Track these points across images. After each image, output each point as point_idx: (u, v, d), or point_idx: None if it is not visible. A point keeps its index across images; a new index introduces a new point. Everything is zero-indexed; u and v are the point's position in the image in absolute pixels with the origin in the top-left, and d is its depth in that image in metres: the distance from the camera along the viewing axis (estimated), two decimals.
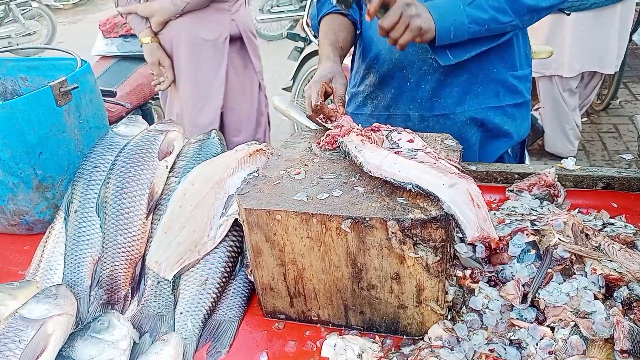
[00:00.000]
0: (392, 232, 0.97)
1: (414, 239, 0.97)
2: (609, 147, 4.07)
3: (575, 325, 0.94)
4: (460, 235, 1.17)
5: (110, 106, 2.86)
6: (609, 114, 4.50)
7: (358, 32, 1.64)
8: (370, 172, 1.07)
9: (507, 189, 1.44)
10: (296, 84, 4.30)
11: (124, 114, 3.02)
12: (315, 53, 4.10)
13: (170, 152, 1.36)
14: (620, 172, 1.39)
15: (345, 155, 1.18)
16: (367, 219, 0.97)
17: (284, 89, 4.47)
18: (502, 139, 1.66)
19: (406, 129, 1.20)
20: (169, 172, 1.34)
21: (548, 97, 3.80)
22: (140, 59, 3.34)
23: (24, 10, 8.15)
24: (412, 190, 1.00)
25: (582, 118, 4.33)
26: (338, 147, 1.21)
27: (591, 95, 4.03)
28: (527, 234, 1.10)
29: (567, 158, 1.45)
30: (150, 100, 3.39)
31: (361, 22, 1.64)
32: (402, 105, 1.62)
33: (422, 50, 1.52)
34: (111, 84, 3.05)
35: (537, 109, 4.16)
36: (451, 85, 1.56)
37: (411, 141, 1.15)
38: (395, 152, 1.11)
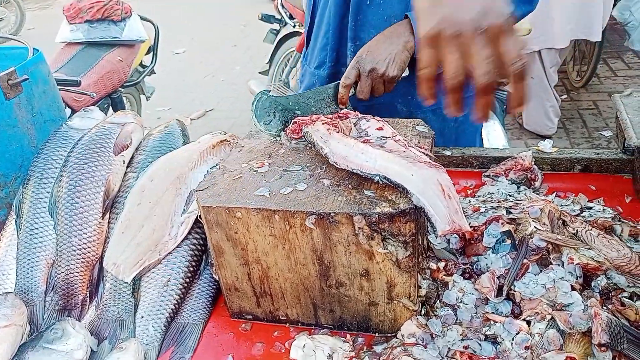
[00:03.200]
0: (359, 228, 0.91)
1: (383, 233, 0.91)
2: (589, 124, 4.06)
3: (552, 318, 0.90)
4: None
5: (77, 96, 2.75)
6: (589, 90, 4.49)
7: None
8: (336, 163, 1.01)
9: (483, 174, 1.40)
10: (273, 67, 4.20)
11: (92, 104, 2.91)
12: (291, 35, 4.00)
13: (128, 146, 1.27)
14: (598, 154, 1.35)
15: (312, 146, 1.11)
16: (332, 214, 0.91)
17: (260, 72, 4.37)
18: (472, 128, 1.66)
19: (375, 117, 1.14)
20: (127, 167, 1.26)
21: (530, 75, 3.76)
22: (107, 45, 3.22)
23: None
24: (380, 182, 0.94)
25: (561, 95, 4.31)
26: (303, 136, 1.14)
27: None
28: (502, 223, 1.05)
29: (544, 140, 1.41)
30: (120, 88, 3.27)
31: None
32: (387, 95, 1.44)
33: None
34: (77, 73, 2.92)
35: (507, 84, 4.12)
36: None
37: (380, 129, 1.09)
38: (363, 141, 1.04)
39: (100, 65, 3.07)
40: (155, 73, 3.78)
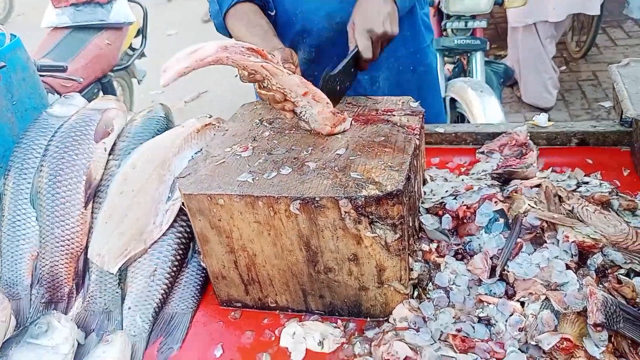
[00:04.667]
0: (345, 212, 0.88)
1: (370, 217, 0.88)
2: (589, 95, 3.99)
3: (547, 298, 0.88)
4: (425, 206, 1.09)
5: (65, 82, 2.70)
6: (588, 61, 4.40)
7: (272, 13, 1.43)
8: None
9: (477, 150, 1.36)
10: None
11: (80, 90, 2.85)
12: None
13: (109, 133, 1.24)
14: (595, 127, 1.30)
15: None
16: (317, 198, 0.87)
17: None
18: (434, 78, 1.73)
19: None
20: (109, 154, 1.22)
21: (527, 47, 3.68)
22: (95, 28, 3.14)
23: None
24: None
25: (560, 67, 4.23)
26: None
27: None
28: (495, 202, 1.02)
29: (539, 114, 1.36)
30: (110, 73, 3.21)
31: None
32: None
33: None
34: (65, 58, 2.85)
35: (504, 57, 4.05)
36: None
37: None
38: None
39: (87, 49, 3.00)
40: (145, 56, 3.71)
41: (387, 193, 0.85)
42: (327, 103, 1.04)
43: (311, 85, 1.04)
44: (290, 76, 0.99)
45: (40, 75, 2.49)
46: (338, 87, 1.18)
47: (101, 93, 3.19)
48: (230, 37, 1.39)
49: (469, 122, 2.42)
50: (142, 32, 3.52)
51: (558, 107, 3.89)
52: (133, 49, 3.54)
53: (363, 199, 0.86)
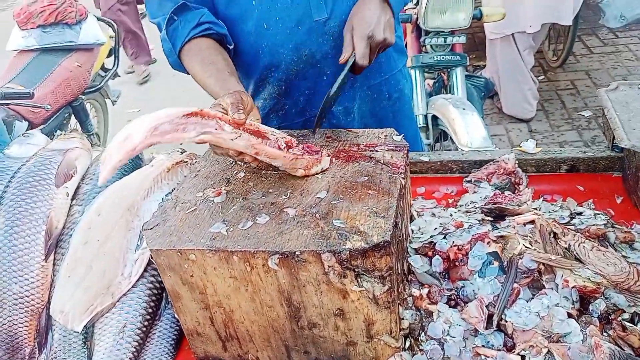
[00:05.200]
0: (329, 266, 0.80)
1: (356, 270, 0.81)
2: (568, 104, 4.00)
3: (549, 352, 0.81)
4: (413, 246, 1.03)
5: (32, 108, 2.58)
6: (565, 70, 4.42)
7: (231, 47, 1.35)
8: None
9: (464, 179, 1.30)
10: None
11: (50, 115, 2.74)
12: None
13: (72, 176, 1.15)
14: (585, 152, 1.26)
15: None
16: (297, 253, 0.80)
17: None
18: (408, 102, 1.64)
19: None
20: (72, 200, 1.13)
21: (506, 59, 3.68)
22: (64, 50, 3.03)
23: None
24: None
25: (538, 76, 4.24)
26: None
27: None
28: (487, 243, 0.96)
29: (526, 141, 1.31)
30: (82, 96, 3.09)
31: (234, 34, 1.34)
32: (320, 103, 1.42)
33: (333, 38, 1.32)
34: (32, 83, 2.73)
35: (483, 68, 4.05)
36: None
37: None
38: None
39: (57, 72, 2.88)
40: (119, 76, 3.60)
41: (373, 245, 0.78)
42: (284, 157, 0.95)
43: (260, 144, 0.93)
44: (234, 141, 0.88)
45: (5, 104, 2.39)
46: (333, 101, 1.20)
47: (73, 117, 3.08)
48: (188, 73, 1.31)
49: (451, 139, 2.37)
50: (114, 52, 3.41)
51: (538, 117, 3.89)
52: (106, 70, 3.43)
53: (348, 252, 0.79)
